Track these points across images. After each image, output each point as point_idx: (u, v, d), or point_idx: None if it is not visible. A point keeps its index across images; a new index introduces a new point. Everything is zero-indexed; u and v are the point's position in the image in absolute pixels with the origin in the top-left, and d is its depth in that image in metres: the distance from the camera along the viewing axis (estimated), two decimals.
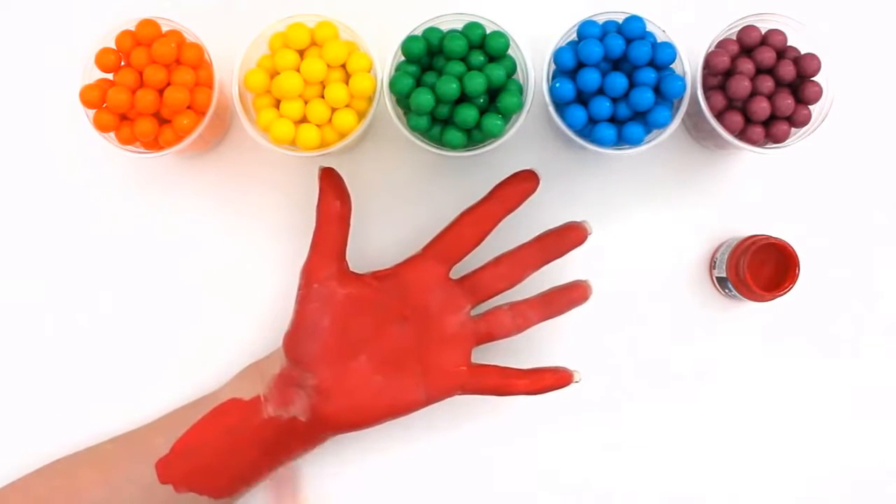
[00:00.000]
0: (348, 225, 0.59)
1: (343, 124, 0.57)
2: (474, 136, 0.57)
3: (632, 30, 0.57)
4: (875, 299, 0.64)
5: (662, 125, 0.57)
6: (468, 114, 0.56)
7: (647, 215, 0.64)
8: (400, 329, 0.58)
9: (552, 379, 0.58)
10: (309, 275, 0.58)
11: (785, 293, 0.60)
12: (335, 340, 0.57)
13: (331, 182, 0.59)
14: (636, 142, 0.57)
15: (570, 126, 0.57)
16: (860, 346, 0.64)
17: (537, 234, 0.60)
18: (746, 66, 0.57)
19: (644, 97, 0.56)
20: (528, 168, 0.59)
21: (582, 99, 0.57)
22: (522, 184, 0.59)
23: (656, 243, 0.64)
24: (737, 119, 0.58)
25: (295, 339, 0.58)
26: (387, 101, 0.58)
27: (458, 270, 0.60)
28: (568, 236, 0.59)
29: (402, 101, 0.57)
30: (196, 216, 0.64)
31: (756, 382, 0.64)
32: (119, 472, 0.58)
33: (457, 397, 0.58)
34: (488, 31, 0.57)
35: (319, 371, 0.57)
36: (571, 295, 0.59)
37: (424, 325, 0.58)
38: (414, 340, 0.58)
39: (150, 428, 0.60)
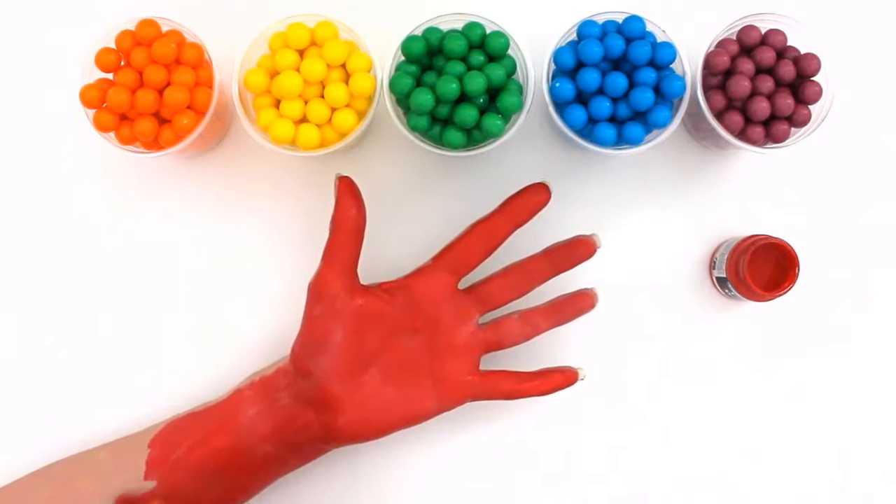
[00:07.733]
0: (363, 237, 0.57)
1: (343, 124, 0.57)
2: (474, 136, 0.57)
3: (632, 30, 0.57)
4: (874, 299, 0.64)
5: (662, 125, 0.57)
6: (468, 114, 0.55)
7: (647, 215, 0.64)
8: (410, 340, 0.58)
9: (560, 379, 0.59)
10: (320, 288, 0.56)
11: (785, 293, 0.60)
12: (347, 355, 0.56)
13: (349, 192, 0.57)
14: (636, 142, 0.57)
15: (570, 126, 0.57)
16: (859, 345, 0.64)
17: (546, 245, 0.60)
18: (746, 65, 0.57)
19: (644, 97, 0.56)
20: (540, 181, 0.59)
21: (582, 99, 0.57)
22: (534, 197, 0.59)
23: (656, 243, 0.64)
24: (737, 119, 0.58)
25: (305, 353, 0.57)
26: (387, 101, 0.58)
27: (466, 278, 0.60)
28: (577, 250, 0.59)
29: (402, 101, 0.57)
30: (196, 216, 0.64)
31: (756, 382, 0.64)
32: (117, 483, 0.57)
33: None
34: (488, 31, 0.57)
35: (331, 385, 0.56)
36: (579, 304, 0.60)
37: (434, 336, 0.58)
38: (424, 351, 0.58)
39: (147, 434, 0.59)
